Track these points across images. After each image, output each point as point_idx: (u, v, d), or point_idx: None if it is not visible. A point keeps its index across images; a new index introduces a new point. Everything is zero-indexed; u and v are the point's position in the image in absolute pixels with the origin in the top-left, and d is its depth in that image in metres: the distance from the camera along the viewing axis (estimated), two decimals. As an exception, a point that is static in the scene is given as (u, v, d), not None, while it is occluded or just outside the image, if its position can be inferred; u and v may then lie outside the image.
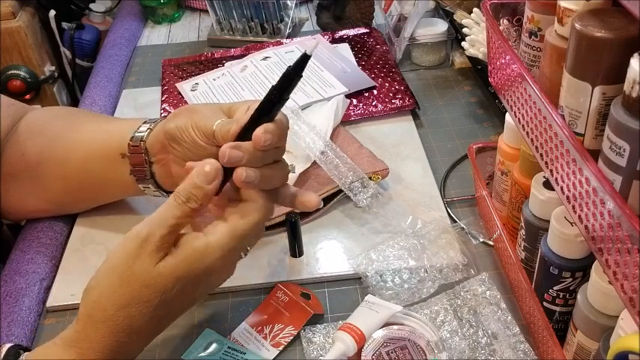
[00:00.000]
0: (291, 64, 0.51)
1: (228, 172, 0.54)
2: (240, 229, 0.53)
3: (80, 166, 0.70)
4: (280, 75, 0.52)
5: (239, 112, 0.60)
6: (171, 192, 0.65)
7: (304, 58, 0.51)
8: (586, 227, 0.43)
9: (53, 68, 1.40)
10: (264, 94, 0.54)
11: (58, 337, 0.52)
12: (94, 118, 0.77)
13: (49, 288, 0.71)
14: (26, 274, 0.70)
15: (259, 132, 0.52)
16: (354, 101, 0.95)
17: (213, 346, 0.62)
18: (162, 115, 0.97)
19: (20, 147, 0.72)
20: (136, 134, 0.66)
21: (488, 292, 0.65)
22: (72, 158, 0.70)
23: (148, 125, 0.67)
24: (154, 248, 0.50)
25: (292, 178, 0.76)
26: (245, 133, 0.54)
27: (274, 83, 0.53)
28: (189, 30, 1.27)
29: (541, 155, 0.51)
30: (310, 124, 0.82)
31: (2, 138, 0.72)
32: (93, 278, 0.52)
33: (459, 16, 1.02)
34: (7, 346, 0.52)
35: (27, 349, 0.53)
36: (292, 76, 0.52)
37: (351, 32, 1.13)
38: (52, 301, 0.69)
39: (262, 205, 0.55)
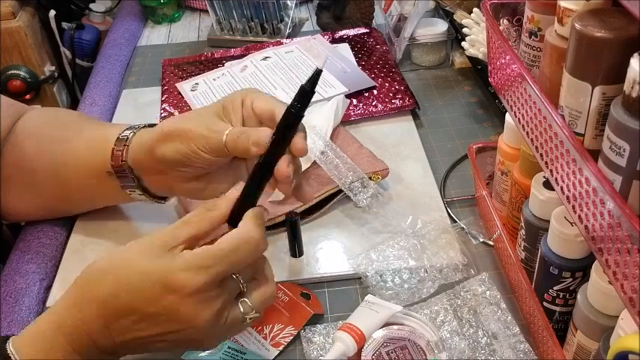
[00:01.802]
0: (307, 82, 0.52)
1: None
2: (214, 248, 0.49)
3: (69, 179, 0.69)
4: (295, 91, 0.53)
5: (235, 115, 0.59)
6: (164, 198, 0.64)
7: (318, 74, 0.52)
8: (586, 227, 0.43)
9: (53, 68, 1.40)
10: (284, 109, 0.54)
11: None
12: (80, 127, 0.73)
13: (49, 288, 0.71)
14: (26, 274, 0.70)
15: (300, 142, 0.53)
16: (354, 101, 0.95)
17: (213, 346, 0.62)
18: (162, 115, 0.97)
19: (17, 150, 0.71)
20: (115, 152, 0.65)
21: (488, 292, 0.65)
22: (61, 171, 0.69)
23: (126, 135, 0.65)
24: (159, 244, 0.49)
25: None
26: (270, 155, 0.54)
27: (291, 101, 0.53)
28: (189, 30, 1.27)
29: (541, 155, 0.50)
30: (310, 124, 0.82)
31: (2, 138, 0.72)
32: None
33: (459, 16, 1.02)
34: None
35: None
36: (309, 92, 0.52)
37: (351, 32, 1.13)
38: (52, 301, 0.69)
39: (245, 234, 0.50)
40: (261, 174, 0.54)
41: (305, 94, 0.52)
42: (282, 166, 0.53)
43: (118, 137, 0.65)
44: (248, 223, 0.51)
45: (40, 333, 0.50)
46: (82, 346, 0.49)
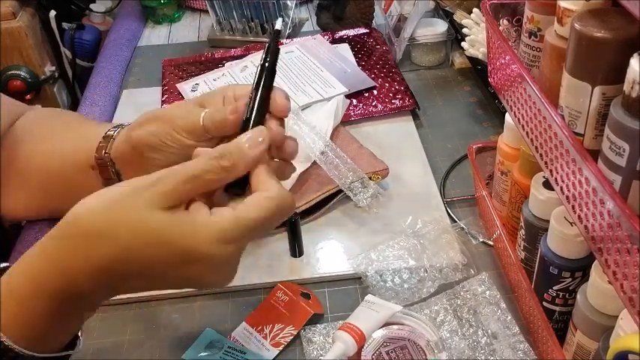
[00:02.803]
0: (269, 40, 0.53)
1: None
2: (246, 217, 0.45)
3: (56, 175, 0.69)
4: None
5: (216, 100, 0.57)
6: None
7: (278, 33, 0.53)
8: (586, 227, 0.43)
9: (53, 68, 1.40)
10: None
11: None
12: (73, 127, 0.73)
13: (49, 288, 0.70)
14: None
15: (281, 98, 0.51)
16: (354, 101, 0.95)
17: (214, 346, 0.62)
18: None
19: (12, 150, 0.71)
20: (100, 145, 0.64)
21: (488, 292, 0.65)
22: (49, 168, 0.69)
23: (112, 132, 0.64)
24: (159, 191, 0.44)
25: (292, 178, 0.76)
26: (254, 115, 0.51)
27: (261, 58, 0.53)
28: (189, 30, 1.27)
29: (541, 155, 0.51)
30: (310, 124, 0.82)
31: (1, 137, 0.72)
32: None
33: (459, 16, 1.02)
34: None
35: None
36: (275, 49, 0.52)
37: (351, 32, 1.13)
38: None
39: (277, 194, 0.46)
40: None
41: (270, 49, 0.52)
42: (279, 95, 0.50)
43: (106, 133, 0.65)
44: (273, 183, 0.47)
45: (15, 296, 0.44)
46: (67, 303, 0.45)
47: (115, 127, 0.66)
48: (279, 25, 0.53)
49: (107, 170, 0.65)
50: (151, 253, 0.44)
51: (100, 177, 0.66)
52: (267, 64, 0.52)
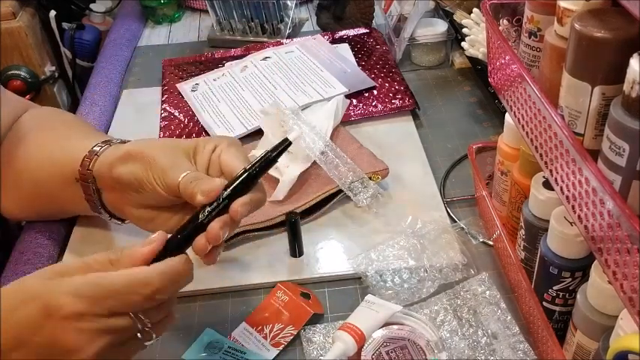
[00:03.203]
0: (272, 150, 0.54)
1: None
2: (104, 278, 0.46)
3: (45, 182, 0.68)
4: (264, 151, 0.54)
5: (202, 157, 0.57)
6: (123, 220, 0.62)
7: (286, 145, 0.54)
8: (585, 227, 0.43)
9: (53, 68, 1.40)
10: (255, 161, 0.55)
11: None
12: (68, 134, 0.72)
13: (48, 288, 0.70)
14: (24, 274, 0.70)
15: (236, 206, 0.52)
16: (354, 101, 0.95)
17: (214, 346, 0.62)
18: (163, 115, 0.97)
19: (9, 150, 0.71)
20: (85, 160, 0.63)
21: (488, 292, 0.65)
22: (40, 173, 0.69)
23: (97, 149, 0.64)
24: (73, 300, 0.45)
25: (292, 178, 0.77)
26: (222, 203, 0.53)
27: (251, 162, 0.54)
28: (189, 30, 1.27)
29: (541, 155, 0.51)
30: (310, 124, 0.82)
31: (2, 134, 0.72)
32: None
33: (459, 16, 1.02)
34: None
35: None
36: (272, 160, 0.54)
37: (351, 32, 1.13)
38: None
39: (161, 270, 0.48)
40: (193, 227, 0.52)
41: (267, 161, 0.54)
42: (215, 226, 0.51)
43: (92, 147, 0.64)
44: (156, 268, 0.48)
45: None
46: None
47: (103, 141, 0.65)
48: (292, 136, 0.54)
49: (88, 187, 0.64)
50: (21, 310, 0.45)
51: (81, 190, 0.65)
52: (256, 173, 0.53)
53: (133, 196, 0.59)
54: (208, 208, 0.52)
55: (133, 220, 0.63)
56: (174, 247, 0.51)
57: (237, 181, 0.53)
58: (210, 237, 0.52)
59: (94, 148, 0.64)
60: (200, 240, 0.52)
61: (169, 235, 0.52)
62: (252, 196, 0.54)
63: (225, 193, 0.53)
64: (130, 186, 0.58)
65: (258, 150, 0.81)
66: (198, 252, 0.52)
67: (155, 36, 1.26)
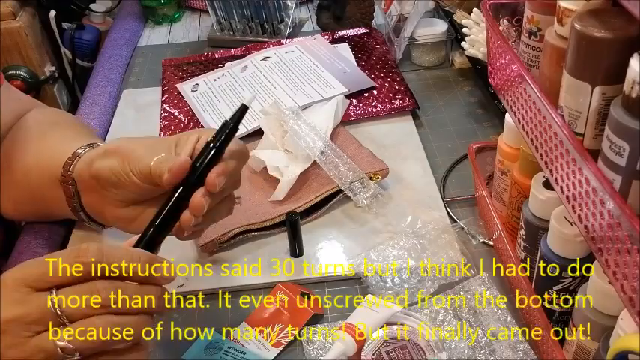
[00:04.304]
0: (231, 118, 0.53)
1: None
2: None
3: (34, 182, 0.68)
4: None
5: (185, 148, 0.56)
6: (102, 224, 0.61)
7: (242, 109, 0.53)
8: (586, 227, 0.43)
9: (53, 68, 1.40)
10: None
11: None
12: (64, 135, 0.71)
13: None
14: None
15: (212, 176, 0.51)
16: (354, 101, 0.95)
17: (214, 346, 0.62)
18: (163, 115, 0.97)
19: (9, 149, 0.71)
20: (67, 161, 0.63)
21: (487, 292, 0.65)
22: (31, 172, 0.68)
23: (80, 151, 0.63)
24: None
25: (292, 178, 0.77)
26: (191, 178, 0.52)
27: (215, 133, 0.53)
28: (189, 30, 1.27)
29: (541, 155, 0.51)
30: (310, 124, 0.82)
31: (2, 134, 0.72)
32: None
33: (459, 16, 1.02)
34: None
35: None
36: (232, 127, 0.53)
37: (351, 32, 1.13)
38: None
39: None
40: (169, 207, 0.51)
41: (226, 128, 0.53)
42: (197, 195, 0.50)
43: (76, 150, 0.64)
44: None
45: None
46: None
47: (88, 144, 0.65)
48: (247, 100, 0.53)
49: (69, 189, 0.63)
50: None
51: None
52: (217, 145, 0.52)
53: (112, 193, 0.58)
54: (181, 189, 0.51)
55: (115, 223, 0.62)
56: (156, 231, 0.50)
57: (204, 154, 0.52)
58: (193, 209, 0.51)
59: (78, 151, 0.64)
60: (185, 215, 0.51)
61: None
62: (225, 165, 0.52)
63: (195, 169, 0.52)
64: (108, 181, 0.57)
65: (258, 150, 0.81)
66: (183, 224, 0.51)
67: (155, 36, 1.26)
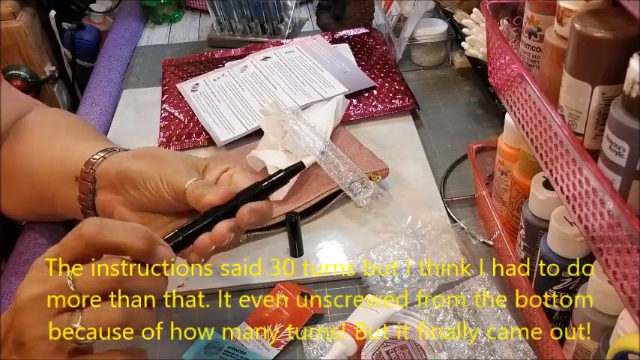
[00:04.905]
0: (286, 170, 0.56)
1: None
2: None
3: (41, 180, 0.68)
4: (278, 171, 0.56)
5: (212, 173, 0.57)
6: None
7: (299, 167, 0.56)
8: (586, 227, 0.43)
9: (53, 68, 1.40)
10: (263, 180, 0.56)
11: None
12: (72, 134, 0.72)
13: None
14: (23, 274, 0.69)
15: (245, 211, 0.52)
16: (354, 101, 0.95)
17: (214, 346, 0.62)
18: (163, 115, 0.97)
19: (10, 149, 0.71)
20: (92, 159, 0.63)
21: (487, 292, 0.65)
22: (36, 170, 0.68)
23: (104, 153, 0.63)
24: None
25: (293, 178, 0.76)
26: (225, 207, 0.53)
27: (265, 178, 0.56)
28: (189, 30, 1.27)
29: (541, 155, 0.51)
30: (310, 124, 0.82)
31: (2, 133, 0.72)
32: None
33: (459, 16, 1.02)
34: None
35: None
36: (284, 179, 0.56)
37: (351, 32, 1.13)
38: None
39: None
40: (201, 225, 0.52)
41: (278, 180, 0.55)
42: (223, 226, 0.52)
43: (105, 149, 0.64)
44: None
45: None
46: None
47: (112, 148, 0.65)
48: (307, 162, 0.57)
49: (86, 186, 0.63)
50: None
51: (77, 190, 0.64)
52: (264, 186, 0.55)
53: (129, 195, 0.58)
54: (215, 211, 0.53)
55: None
56: (179, 244, 0.51)
57: (248, 191, 0.54)
58: (215, 236, 0.52)
59: (99, 153, 0.64)
60: (204, 237, 0.52)
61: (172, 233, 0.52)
62: (262, 205, 0.54)
63: (234, 201, 0.54)
64: (133, 182, 0.58)
65: (259, 150, 0.81)
66: (199, 248, 0.52)
67: (155, 36, 1.26)
